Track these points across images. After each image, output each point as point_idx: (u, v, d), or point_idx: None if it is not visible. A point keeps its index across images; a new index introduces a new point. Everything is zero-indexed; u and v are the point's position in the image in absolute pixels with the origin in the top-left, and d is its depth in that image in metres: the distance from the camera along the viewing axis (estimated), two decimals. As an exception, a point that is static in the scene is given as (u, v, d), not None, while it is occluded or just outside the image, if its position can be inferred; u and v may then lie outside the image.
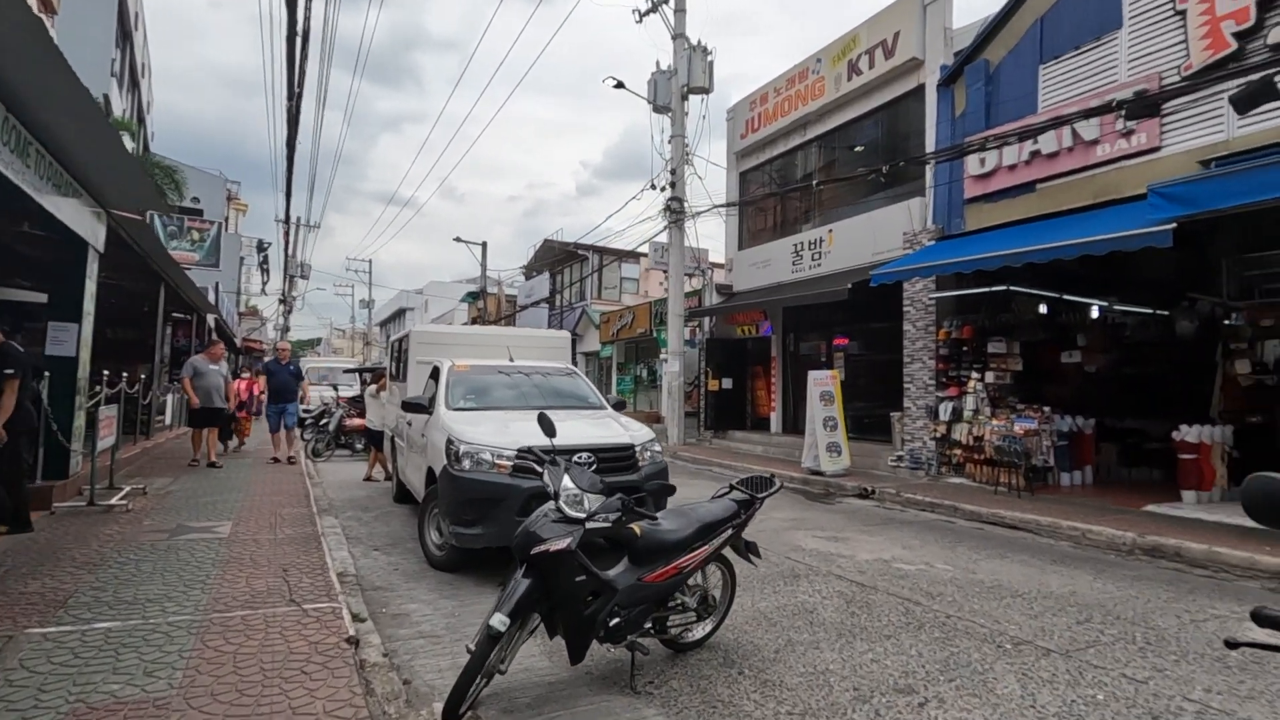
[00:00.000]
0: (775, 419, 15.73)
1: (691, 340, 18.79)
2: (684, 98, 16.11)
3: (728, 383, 16.47)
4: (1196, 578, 5.86)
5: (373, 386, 9.95)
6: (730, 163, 17.31)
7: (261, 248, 35.56)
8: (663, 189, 16.81)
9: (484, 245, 32.23)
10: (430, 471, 5.86)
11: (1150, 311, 11.39)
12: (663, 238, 17.47)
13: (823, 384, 11.13)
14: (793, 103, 14.81)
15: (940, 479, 10.53)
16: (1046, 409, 9.56)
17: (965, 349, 10.48)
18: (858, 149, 13.87)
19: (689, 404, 19.30)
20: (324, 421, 13.29)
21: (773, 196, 15.99)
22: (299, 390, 10.28)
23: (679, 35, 16.10)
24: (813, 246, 14.09)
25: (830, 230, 13.70)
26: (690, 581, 3.75)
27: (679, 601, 3.74)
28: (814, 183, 12.91)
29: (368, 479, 10.42)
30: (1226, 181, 6.45)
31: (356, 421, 12.13)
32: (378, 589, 5.10)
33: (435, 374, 6.91)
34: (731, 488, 4.08)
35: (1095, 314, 11.18)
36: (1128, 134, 8.66)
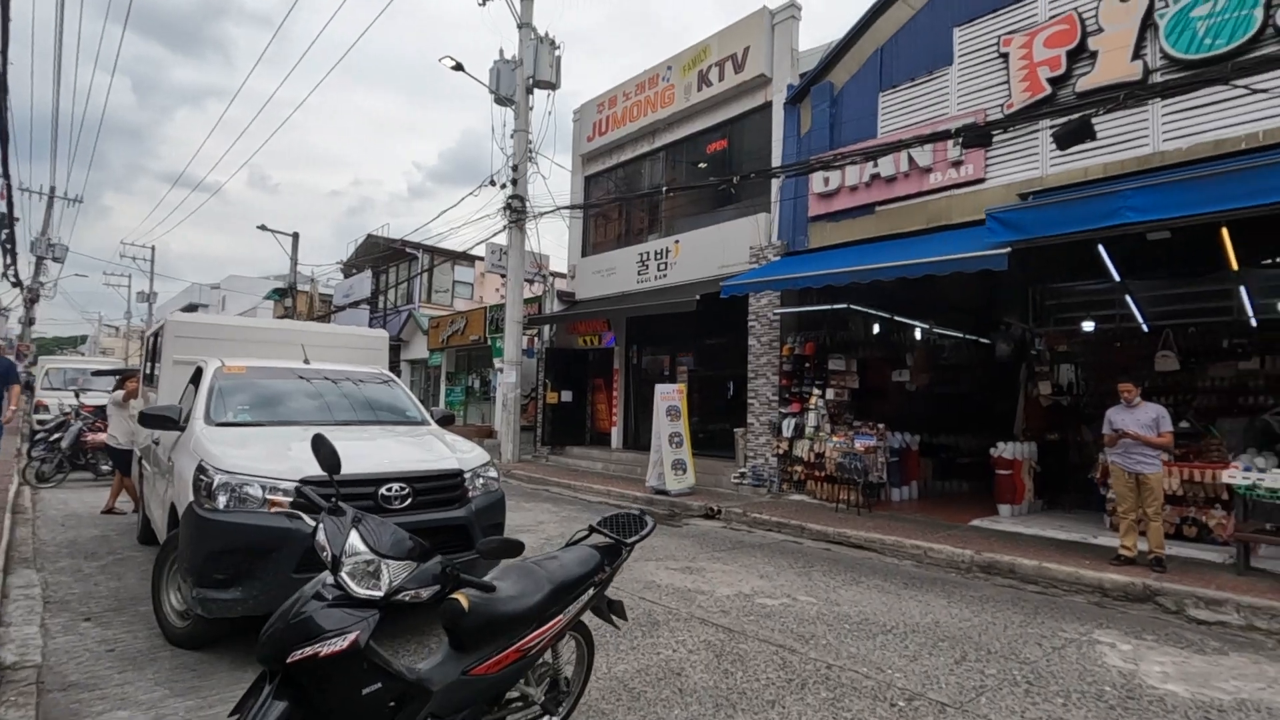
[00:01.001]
0: (616, 434, 15.09)
1: (530, 350, 17.68)
2: (529, 90, 15.10)
3: (567, 396, 15.58)
4: (1032, 595, 5.93)
5: (118, 393, 7.74)
6: (576, 165, 16.56)
7: (-2, 222, 28.79)
8: (503, 186, 15.63)
9: (295, 236, 28.62)
10: (174, 509, 4.30)
11: (962, 336, 12.29)
12: (501, 239, 16.25)
13: (669, 398, 10.63)
14: (642, 108, 14.41)
15: (782, 496, 10.41)
16: (881, 426, 9.77)
17: (808, 365, 10.51)
18: (702, 166, 13.75)
19: (525, 418, 18.14)
20: (56, 437, 10.43)
21: (620, 202, 15.46)
22: (3, 396, 7.74)
23: (525, 24, 15.10)
24: (659, 256, 13.70)
25: (677, 241, 13.39)
26: (538, 662, 2.77)
27: (520, 694, 2.75)
28: (663, 189, 12.52)
29: (108, 511, 8.13)
30: (1052, 211, 6.78)
31: (98, 437, 9.57)
32: (71, 686, 3.51)
33: (197, 377, 5.28)
34: (592, 530, 3.17)
35: (919, 336, 11.79)
36: (957, 164, 9.10)
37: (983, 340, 12.83)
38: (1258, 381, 9.06)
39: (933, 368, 11.76)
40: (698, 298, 11.22)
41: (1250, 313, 8.76)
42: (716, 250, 12.36)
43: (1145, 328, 9.78)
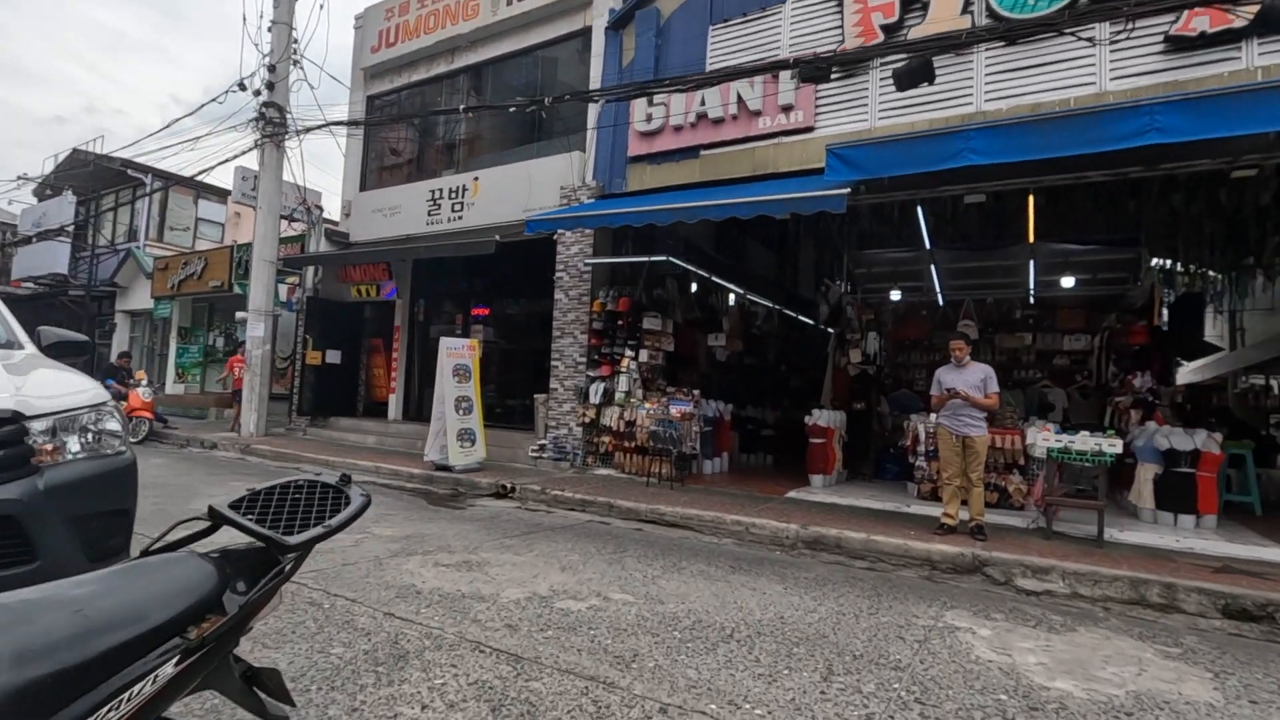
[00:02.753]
0: (395, 403, 12.84)
1: (290, 302, 14.58)
2: (294, -27, 12.13)
3: (334, 357, 12.95)
4: (863, 572, 5.25)
5: None
6: (356, 81, 13.78)
7: None
8: (256, 92, 12.47)
9: (-41, 141, 21.49)
10: None
11: (772, 305, 11.96)
12: (252, 161, 13.00)
13: (458, 355, 8.83)
14: (440, 19, 12.19)
15: (587, 471, 9.16)
16: (696, 393, 8.90)
17: (620, 324, 9.34)
18: (513, 99, 11.94)
19: (282, 383, 15.01)
20: None
21: (407, 123, 13.08)
22: None
23: (292, -111, 12.07)
24: (454, 195, 11.68)
25: (476, 179, 11.48)
26: None
27: None
28: (461, 108, 10.52)
29: None
30: (894, 149, 6.21)
31: None
32: None
33: None
34: (216, 517, 1.50)
35: (731, 301, 11.19)
36: (787, 109, 8.40)
37: (787, 311, 12.67)
38: (1030, 355, 9.60)
39: (744, 335, 11.25)
40: (497, 238, 9.52)
41: (1032, 288, 9.20)
42: (522, 190, 10.70)
43: (941, 300, 10.01)
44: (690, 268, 9.50)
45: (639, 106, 9.26)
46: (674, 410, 8.17)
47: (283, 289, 14.47)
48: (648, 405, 8.69)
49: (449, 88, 12.76)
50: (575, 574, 4.64)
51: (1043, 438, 5.98)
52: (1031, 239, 8.09)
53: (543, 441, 9.66)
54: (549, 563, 4.90)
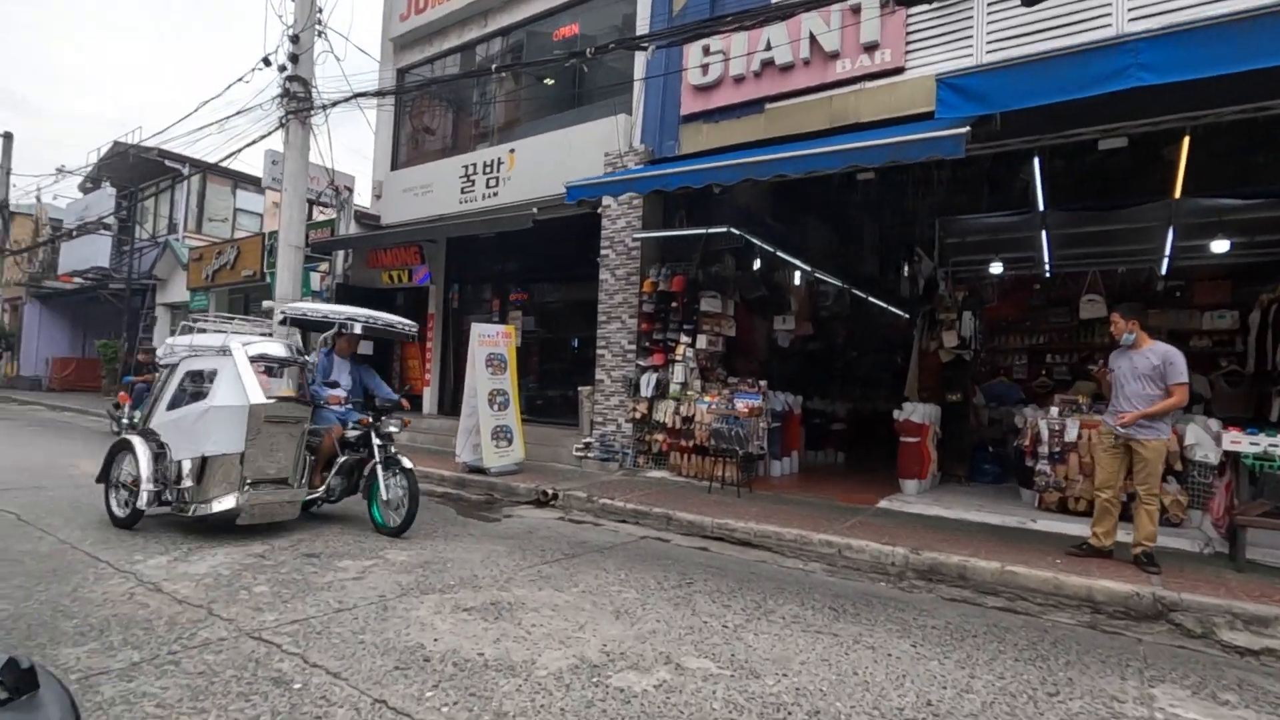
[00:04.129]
0: (430, 396, 11.99)
1: (321, 291, 13.89)
2: (316, -65, 11.25)
3: (366, 347, 12.09)
4: (1008, 617, 4.02)
5: None
6: (386, 54, 12.90)
7: None
8: (281, 67, 11.68)
9: (6, 136, 21.65)
10: None
11: (842, 284, 10.64)
12: (278, 142, 12.25)
13: (492, 343, 7.84)
14: (472, -21, 11.18)
15: (638, 473, 8.07)
16: (763, 384, 7.72)
17: (674, 305, 8.20)
18: (550, 50, 10.84)
19: (315, 376, 14.35)
20: None
21: (439, 98, 12.14)
22: None
23: None
24: (489, 170, 10.70)
25: (512, 150, 10.47)
26: None
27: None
28: (493, 68, 9.49)
29: None
30: (1028, 74, 4.87)
31: None
32: None
33: None
34: None
35: (797, 280, 9.91)
36: (871, 49, 7.09)
37: (857, 291, 11.31)
38: (1160, 336, 8.07)
39: (813, 317, 9.96)
40: (535, 210, 8.48)
41: (1167, 254, 7.69)
42: (562, 161, 9.62)
43: (1050, 271, 8.56)
44: (754, 240, 8.27)
45: (693, 54, 8.06)
46: (739, 404, 7.00)
47: (315, 277, 13.78)
48: (708, 399, 7.55)
49: (483, 54, 11.76)
50: (633, 623, 3.55)
51: (1231, 439, 4.62)
52: (1177, 193, 6.62)
53: (588, 440, 8.61)
54: (599, 605, 3.82)
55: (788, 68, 7.60)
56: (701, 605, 3.90)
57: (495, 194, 10.55)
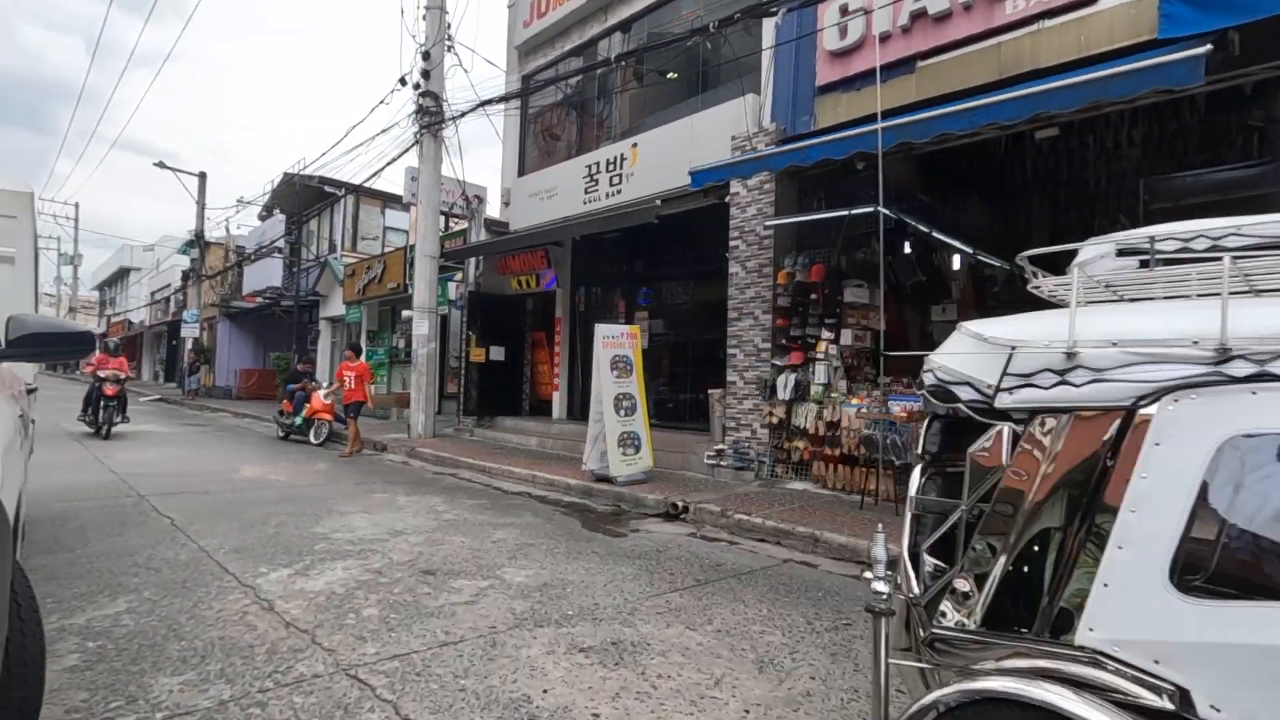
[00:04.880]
0: (559, 401, 11.89)
1: (458, 300, 14.32)
2: (443, -48, 11.55)
3: (498, 353, 12.29)
4: None
5: None
6: (511, 62, 13.06)
7: None
8: (416, 86, 12.12)
9: (201, 176, 24.65)
10: None
11: (1008, 266, 9.21)
12: (414, 159, 12.72)
13: (616, 344, 7.43)
14: (591, -27, 10.96)
15: (776, 484, 7.32)
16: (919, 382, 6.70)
17: (814, 297, 7.36)
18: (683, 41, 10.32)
19: (456, 383, 14.83)
20: None
21: (562, 100, 12.04)
22: None
23: None
24: (611, 167, 10.39)
25: (634, 145, 10.09)
26: None
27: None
28: (614, 58, 9.13)
29: None
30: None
31: None
32: None
33: None
34: None
35: (956, 265, 8.68)
36: (1051, -21, 5.91)
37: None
38: None
39: (978, 306, 8.66)
40: (659, 202, 7.99)
41: None
42: (686, 150, 9.08)
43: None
44: (906, 219, 7.25)
45: (829, 15, 7.21)
46: (895, 408, 6.06)
47: (451, 286, 14.25)
48: (855, 401, 6.66)
49: (604, 50, 11.50)
50: (781, 679, 2.89)
51: None
52: None
53: (720, 446, 7.98)
54: (738, 651, 3.19)
55: (943, 17, 6.57)
56: (866, 657, 3.16)
57: (619, 191, 10.21)
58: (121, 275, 51.39)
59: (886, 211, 6.90)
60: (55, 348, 2.53)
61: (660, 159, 9.57)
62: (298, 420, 11.62)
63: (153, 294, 37.31)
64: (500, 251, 12.09)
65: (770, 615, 3.71)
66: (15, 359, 2.48)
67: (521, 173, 12.66)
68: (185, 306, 25.57)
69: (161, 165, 23.67)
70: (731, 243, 8.17)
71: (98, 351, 10.73)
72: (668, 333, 10.70)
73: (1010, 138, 7.19)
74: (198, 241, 24.82)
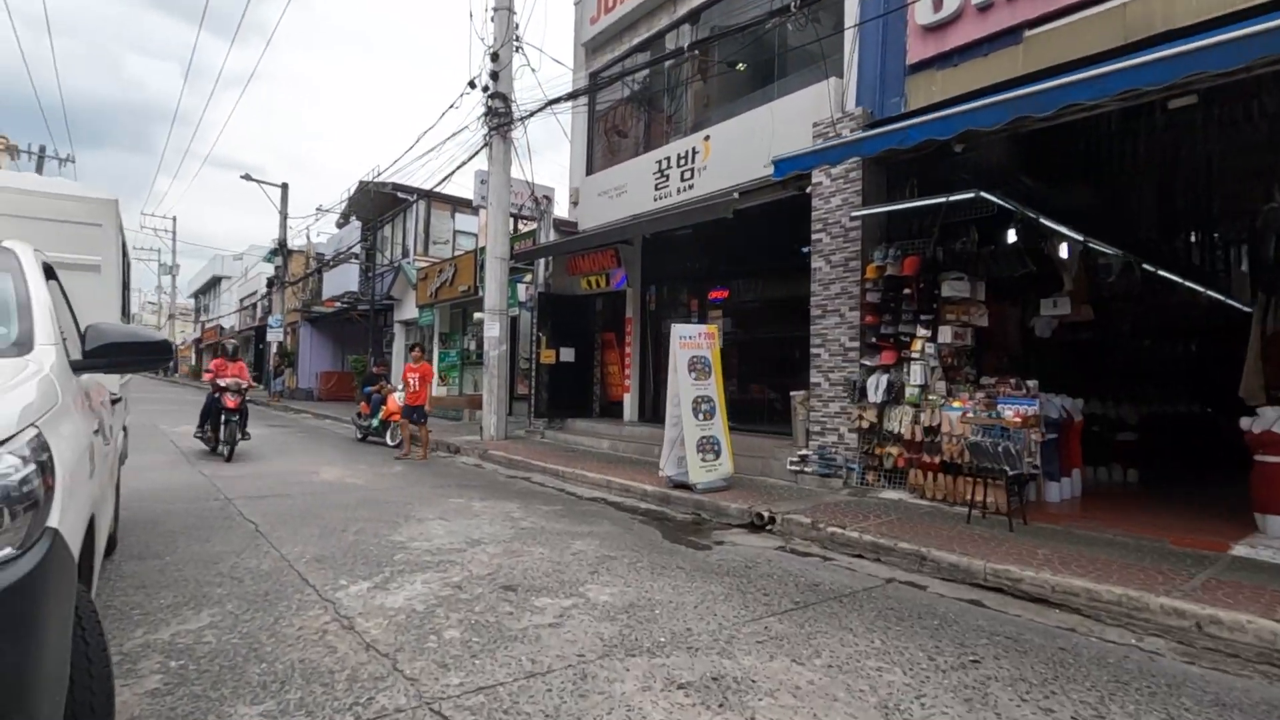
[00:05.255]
0: (630, 403, 11.65)
1: (527, 302, 14.31)
2: (511, -49, 11.50)
3: (568, 354, 12.17)
4: None
5: None
6: (578, 60, 12.92)
7: None
8: (485, 89, 12.14)
9: (284, 187, 25.75)
10: None
11: (1124, 255, 8.36)
12: (483, 162, 12.75)
13: (693, 344, 7.10)
14: (659, -35, 10.67)
15: (868, 493, 6.83)
16: (1032, 384, 6.10)
17: (906, 292, 6.83)
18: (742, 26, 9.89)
19: (526, 385, 14.84)
20: None
21: (630, 95, 11.79)
22: None
23: None
24: (683, 161, 10.07)
25: (707, 138, 9.73)
26: None
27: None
28: (687, 47, 8.81)
29: None
30: None
31: None
32: None
33: None
34: None
35: (1064, 253, 7.92)
36: (1188, -73, 5.22)
37: (1148, 265, 8.87)
38: None
39: (1092, 299, 7.87)
40: (736, 195, 7.63)
41: None
42: (763, 141, 8.68)
43: None
44: (1008, 205, 6.62)
45: (924, -12, 6.67)
46: (1007, 411, 5.50)
47: (521, 289, 14.24)
48: (958, 404, 6.11)
49: (672, 43, 11.19)
50: (916, 733, 2.50)
51: None
52: None
53: (804, 452, 7.54)
54: (855, 691, 2.82)
55: (1056, -21, 5.94)
56: (1006, 706, 2.73)
57: (690, 186, 9.88)
58: (214, 283, 54.58)
59: (990, 197, 6.33)
60: (134, 357, 2.42)
61: (734, 151, 9.19)
62: (374, 422, 11.82)
63: (241, 300, 39.38)
64: (569, 251, 11.95)
65: (885, 648, 3.31)
66: (93, 369, 2.37)
67: (590, 171, 12.49)
68: (270, 312, 26.77)
69: (247, 178, 24.85)
70: (814, 236, 7.71)
71: (216, 356, 10.21)
72: (741, 331, 10.30)
73: (1121, 114, 6.47)
74: (281, 249, 25.94)
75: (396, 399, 11.74)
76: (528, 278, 14.38)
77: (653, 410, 11.48)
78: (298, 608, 3.56)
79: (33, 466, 1.47)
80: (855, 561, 5.01)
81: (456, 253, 21.83)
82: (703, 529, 6.01)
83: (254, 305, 35.34)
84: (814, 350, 7.63)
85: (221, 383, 9.50)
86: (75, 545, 1.61)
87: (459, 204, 22.44)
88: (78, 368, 2.31)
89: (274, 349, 26.28)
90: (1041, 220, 6.93)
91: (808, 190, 7.88)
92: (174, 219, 60.20)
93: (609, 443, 10.51)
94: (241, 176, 24.73)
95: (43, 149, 28.54)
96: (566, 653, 3.10)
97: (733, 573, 4.59)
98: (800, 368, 8.60)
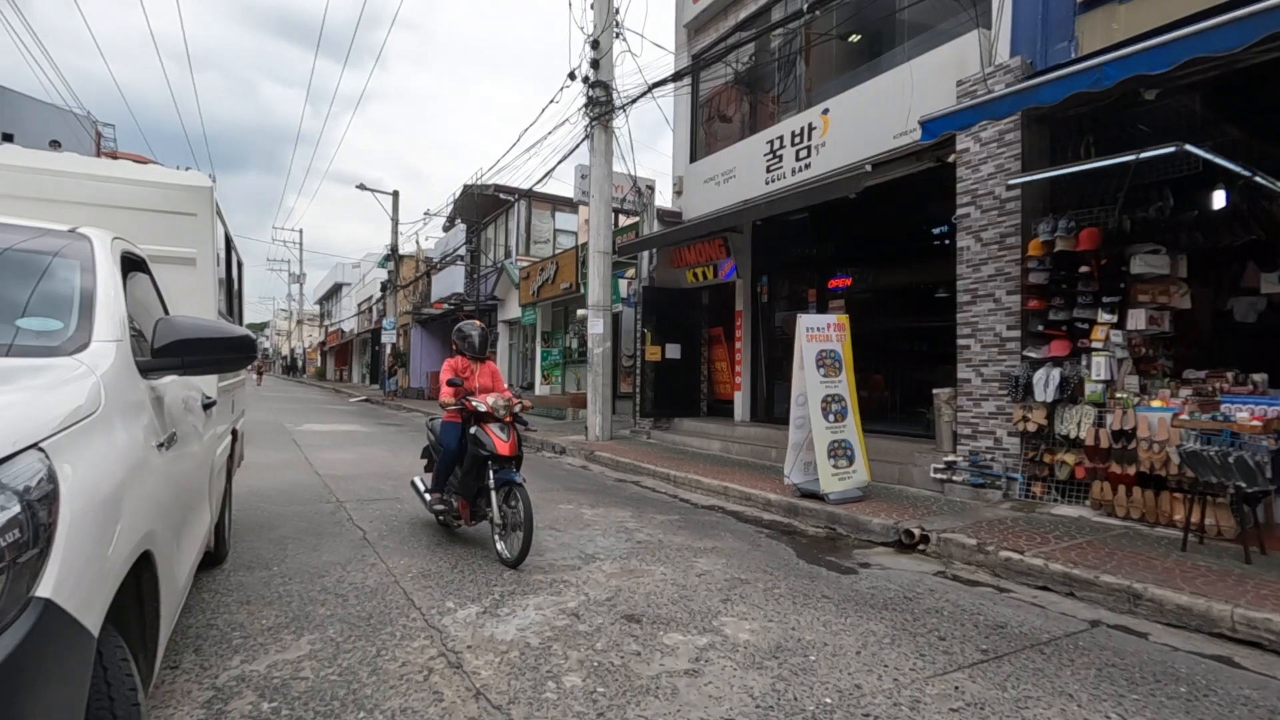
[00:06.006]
0: (741, 402, 10.94)
1: (629, 298, 13.90)
2: (610, -67, 11.07)
3: (674, 351, 11.61)
4: None
5: None
6: (680, 41, 12.32)
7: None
8: (585, 79, 11.79)
9: (394, 195, 26.78)
10: None
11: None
12: (583, 157, 12.42)
13: (822, 337, 6.33)
14: (768, -72, 9.89)
15: (1036, 507, 5.82)
16: (1258, 378, 4.92)
17: (1084, 270, 5.75)
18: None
19: (628, 382, 14.46)
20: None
21: (735, 74, 11.07)
22: None
23: None
24: (798, 139, 9.25)
25: (825, 111, 8.88)
26: None
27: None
28: (804, 8, 8.00)
29: None
30: None
31: None
32: None
33: None
34: None
35: None
36: None
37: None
38: None
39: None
40: (868, 168, 6.78)
41: None
42: (893, 107, 7.76)
43: None
44: (1219, 161, 5.39)
45: (1104, -97, 5.57)
46: (1240, 414, 4.40)
47: (623, 284, 13.85)
48: (1157, 403, 5.03)
49: (779, 13, 10.37)
50: None
51: None
52: None
53: (950, 458, 6.59)
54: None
55: None
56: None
57: (807, 165, 9.06)
58: (336, 290, 58.28)
59: (1198, 151, 5.19)
60: (210, 355, 2.04)
61: (859, 122, 8.30)
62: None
63: (359, 305, 41.69)
64: (675, 243, 11.39)
65: (1128, 729, 2.50)
66: (163, 370, 2.01)
67: (694, 158, 11.87)
68: (384, 315, 27.99)
69: (362, 187, 26.02)
70: (960, 210, 6.72)
71: (453, 353, 4.93)
72: (866, 322, 9.33)
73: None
74: (392, 254, 27.02)
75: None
76: (630, 272, 13.97)
77: (765, 410, 10.73)
78: (402, 635, 3.18)
79: (15, 509, 1.03)
80: (1040, 595, 4.13)
81: (557, 251, 21.86)
82: (841, 547, 5.27)
83: (369, 309, 37.26)
84: (961, 341, 6.66)
85: (474, 400, 4.64)
86: (97, 608, 1.19)
87: (559, 203, 22.47)
88: (146, 369, 1.96)
89: (388, 350, 27.45)
90: (1256, 177, 5.63)
91: (949, 160, 6.90)
92: (300, 231, 64.75)
93: (720, 444, 9.86)
94: (356, 187, 25.95)
95: (188, 170, 31.19)
96: (712, 716, 2.51)
97: (891, 606, 3.85)
98: (937, 361, 7.64)
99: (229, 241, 4.26)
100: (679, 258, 11.79)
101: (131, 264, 2.46)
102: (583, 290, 14.72)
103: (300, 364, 67.42)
